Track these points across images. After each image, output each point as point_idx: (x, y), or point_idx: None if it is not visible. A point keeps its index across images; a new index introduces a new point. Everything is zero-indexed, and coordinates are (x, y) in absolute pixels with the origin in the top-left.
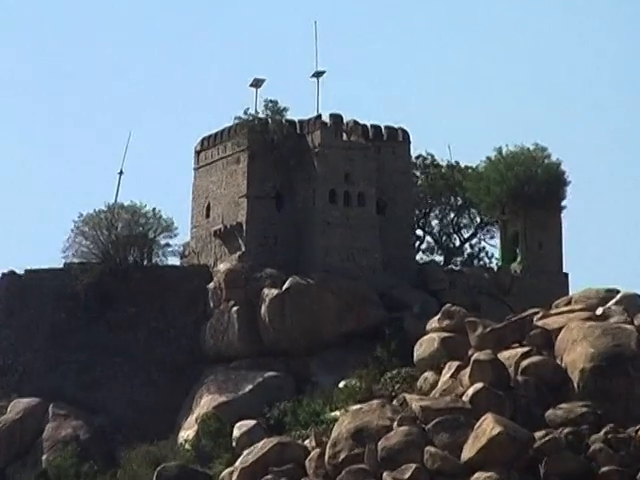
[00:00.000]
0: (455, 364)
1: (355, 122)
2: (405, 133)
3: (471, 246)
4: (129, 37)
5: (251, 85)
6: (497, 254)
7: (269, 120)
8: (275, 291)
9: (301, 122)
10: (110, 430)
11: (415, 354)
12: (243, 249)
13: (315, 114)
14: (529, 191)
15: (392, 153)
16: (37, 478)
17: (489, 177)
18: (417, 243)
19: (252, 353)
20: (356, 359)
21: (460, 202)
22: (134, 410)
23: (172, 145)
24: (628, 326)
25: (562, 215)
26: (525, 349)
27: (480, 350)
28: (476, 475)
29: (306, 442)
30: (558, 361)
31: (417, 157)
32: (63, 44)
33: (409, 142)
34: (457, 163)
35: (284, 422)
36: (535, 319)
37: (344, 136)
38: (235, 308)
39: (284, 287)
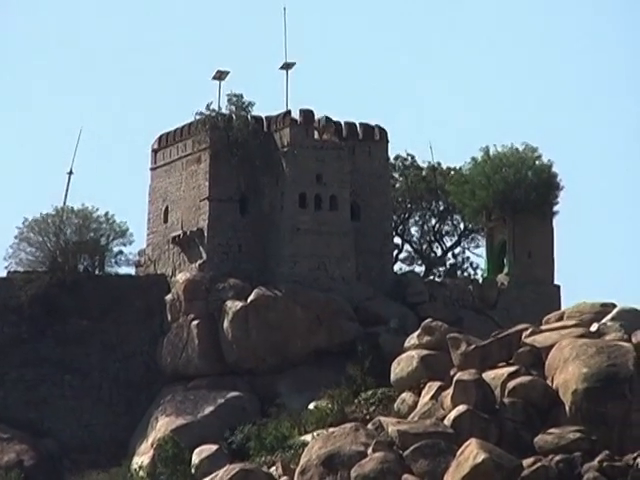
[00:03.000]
0: (436, 384)
1: (327, 119)
2: (382, 131)
3: (454, 255)
4: (79, 21)
5: (214, 78)
6: (482, 264)
7: (233, 116)
8: (239, 304)
9: (268, 119)
10: (57, 455)
11: (392, 373)
12: (204, 257)
13: (284, 110)
14: (518, 195)
15: (368, 153)
16: None
17: (474, 180)
18: (395, 252)
19: (213, 371)
20: (327, 378)
21: (442, 207)
22: (84, 433)
23: (127, 143)
24: (625, 344)
25: (554, 222)
26: (512, 368)
27: (463, 369)
28: None
29: (272, 469)
30: (548, 382)
31: (395, 158)
32: (5, 31)
33: (387, 141)
34: (439, 164)
35: (248, 447)
36: (524, 336)
37: (315, 134)
38: (195, 322)
39: (249, 299)
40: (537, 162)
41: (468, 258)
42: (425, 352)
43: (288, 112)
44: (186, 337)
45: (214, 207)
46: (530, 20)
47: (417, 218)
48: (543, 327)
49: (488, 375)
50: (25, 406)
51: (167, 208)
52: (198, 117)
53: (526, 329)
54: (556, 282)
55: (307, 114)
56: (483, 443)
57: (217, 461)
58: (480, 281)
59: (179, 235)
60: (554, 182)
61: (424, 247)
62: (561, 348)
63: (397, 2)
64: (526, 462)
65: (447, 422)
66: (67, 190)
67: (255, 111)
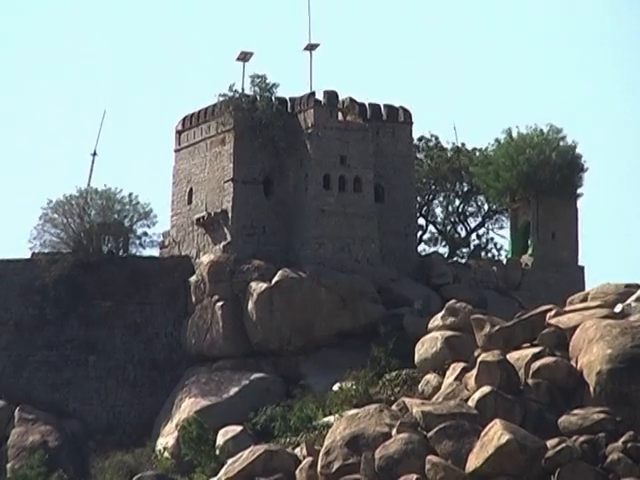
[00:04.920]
0: (460, 366)
1: (352, 100)
2: (406, 113)
3: (478, 237)
4: (104, 4)
5: (238, 59)
6: (506, 245)
7: (257, 97)
8: (263, 285)
9: (292, 100)
10: (82, 436)
11: (416, 354)
12: (228, 239)
13: (308, 91)
14: (542, 177)
15: (392, 134)
16: None
17: (498, 161)
18: (419, 233)
19: (238, 353)
20: (352, 360)
21: (466, 188)
22: (108, 414)
23: (151, 124)
24: None
25: (578, 203)
26: (537, 349)
27: (487, 350)
28: None
29: (296, 450)
30: (573, 363)
31: (419, 139)
32: (29, 15)
33: (411, 122)
34: (463, 146)
35: (272, 428)
36: (548, 317)
37: (339, 116)
38: (219, 304)
39: (273, 281)
40: (561, 143)
41: (492, 239)
42: (449, 333)
43: (312, 93)
44: (210, 319)
45: (238, 189)
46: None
47: (441, 199)
48: (567, 308)
49: (512, 356)
50: (50, 387)
51: (191, 189)
52: (222, 98)
53: (550, 310)
54: (580, 263)
55: (331, 95)
56: (507, 424)
57: (241, 442)
58: (504, 262)
59: (203, 216)
60: (578, 163)
61: (448, 228)
62: (585, 329)
63: None
64: (550, 443)
65: (471, 403)
66: (91, 171)
67: (279, 92)
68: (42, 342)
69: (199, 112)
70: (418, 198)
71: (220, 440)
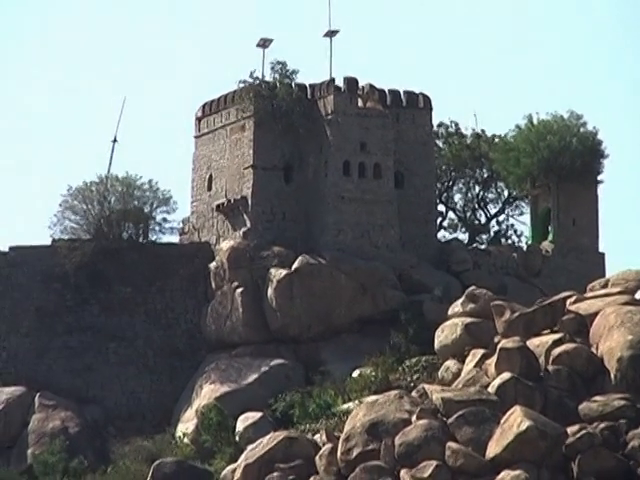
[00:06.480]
0: (480, 352)
1: (371, 87)
2: (426, 99)
3: (498, 223)
4: None
5: (258, 45)
6: (527, 232)
7: (277, 84)
8: (283, 272)
9: (312, 86)
10: (102, 422)
11: (436, 341)
12: (248, 225)
13: (328, 78)
14: (562, 163)
15: (412, 121)
16: (22, 474)
17: (519, 148)
18: (439, 219)
19: (257, 339)
20: (371, 346)
21: (486, 175)
22: (128, 400)
23: (170, 111)
24: None
25: (598, 190)
26: (557, 336)
27: (507, 337)
28: (502, 474)
29: (316, 437)
30: (593, 349)
31: (439, 125)
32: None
33: (431, 109)
34: (483, 132)
35: (292, 415)
36: (568, 303)
37: (359, 102)
38: (239, 290)
39: (293, 267)
40: (582, 129)
41: (512, 225)
42: (469, 320)
43: (332, 80)
44: (230, 305)
45: (258, 175)
46: None
47: (461, 186)
48: (587, 294)
49: (532, 343)
50: (70, 374)
51: (211, 176)
52: (242, 85)
53: (570, 296)
54: (600, 250)
55: (351, 82)
56: (527, 411)
57: (261, 429)
58: (524, 249)
59: (223, 203)
60: (599, 150)
61: (468, 215)
62: (606, 315)
63: None
64: (571, 430)
65: (491, 390)
66: (111, 158)
67: (299, 79)
68: (62, 329)
69: (219, 99)
70: (438, 184)
71: (240, 426)
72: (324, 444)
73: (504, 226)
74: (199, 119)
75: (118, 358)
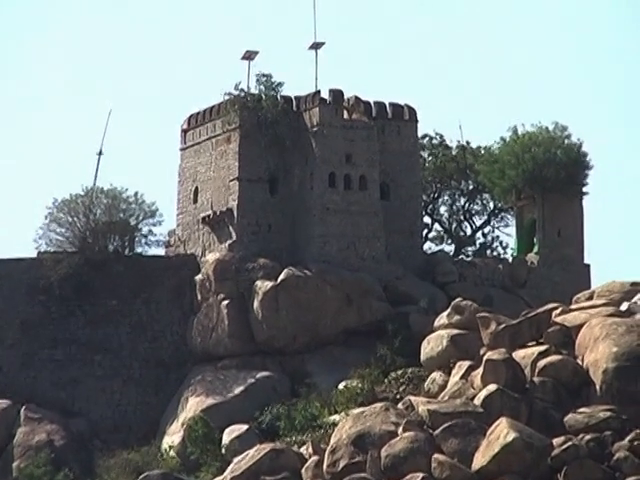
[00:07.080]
0: (466, 364)
1: (357, 99)
2: (411, 111)
3: (483, 235)
4: (108, 2)
5: (243, 58)
6: (512, 244)
7: (262, 96)
8: (269, 283)
9: (298, 98)
10: (87, 435)
11: (422, 353)
12: (234, 237)
13: (313, 90)
14: (547, 175)
15: (397, 133)
16: None
17: (503, 159)
18: (424, 231)
19: (243, 351)
20: (357, 358)
21: (472, 187)
22: (114, 413)
23: (156, 123)
24: None
25: (583, 201)
26: (542, 348)
27: (493, 349)
28: None
29: (302, 449)
30: (579, 361)
31: (424, 137)
32: (33, 13)
33: (416, 121)
34: (468, 144)
35: (278, 427)
36: (553, 315)
37: (345, 114)
38: (225, 302)
39: (279, 279)
40: (567, 141)
41: (498, 237)
42: (455, 331)
43: (317, 92)
44: (216, 317)
45: (244, 187)
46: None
47: (446, 197)
48: (573, 306)
49: (518, 354)
50: (55, 386)
51: (197, 188)
52: (227, 97)
53: (556, 308)
54: (586, 261)
55: (336, 94)
56: (513, 422)
57: (247, 441)
58: (510, 260)
59: (209, 215)
60: (584, 161)
61: (453, 226)
62: (591, 327)
63: None
64: (556, 441)
65: (477, 401)
66: (97, 170)
67: (284, 91)
68: (48, 341)
69: (204, 111)
70: (423, 196)
71: (226, 439)
72: (310, 456)
73: (489, 238)
74: (185, 131)
75: (103, 370)
